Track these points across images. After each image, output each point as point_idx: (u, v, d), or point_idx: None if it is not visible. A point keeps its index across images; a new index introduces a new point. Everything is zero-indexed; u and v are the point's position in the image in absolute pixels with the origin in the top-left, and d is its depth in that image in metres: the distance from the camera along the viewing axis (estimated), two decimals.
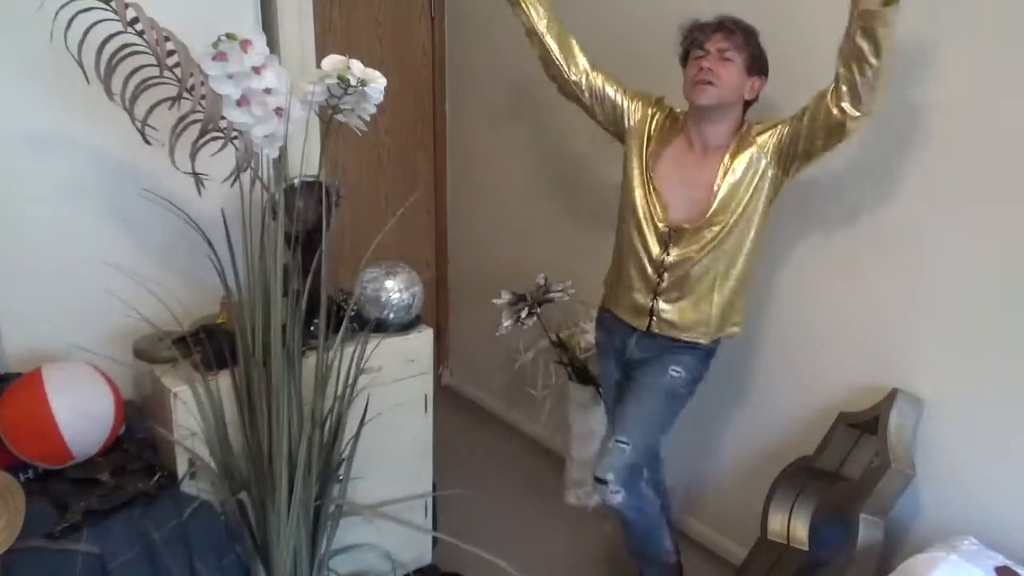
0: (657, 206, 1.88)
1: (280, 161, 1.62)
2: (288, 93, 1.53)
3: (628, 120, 1.95)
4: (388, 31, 3.02)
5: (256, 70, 1.48)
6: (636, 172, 1.92)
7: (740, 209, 1.81)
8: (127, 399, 1.85)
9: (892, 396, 1.85)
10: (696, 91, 1.78)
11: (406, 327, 2.07)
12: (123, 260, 1.92)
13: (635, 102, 1.95)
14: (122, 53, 1.50)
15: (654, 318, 1.93)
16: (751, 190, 1.81)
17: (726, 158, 1.82)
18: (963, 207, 1.73)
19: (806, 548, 2.02)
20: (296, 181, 1.81)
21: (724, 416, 2.33)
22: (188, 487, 1.76)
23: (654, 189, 1.88)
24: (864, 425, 1.92)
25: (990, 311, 1.72)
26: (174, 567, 1.63)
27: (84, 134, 1.84)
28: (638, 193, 1.91)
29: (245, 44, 1.45)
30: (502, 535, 2.07)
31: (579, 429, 2.64)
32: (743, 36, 1.77)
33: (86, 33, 1.48)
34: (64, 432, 1.64)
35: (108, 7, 1.42)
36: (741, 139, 1.82)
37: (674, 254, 1.87)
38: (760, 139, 1.81)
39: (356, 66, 1.52)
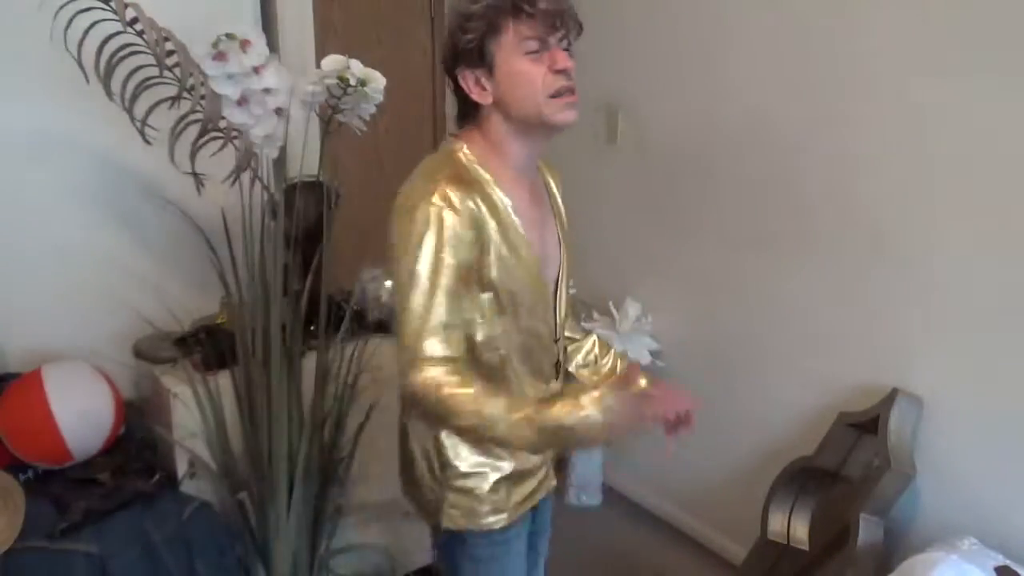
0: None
1: (280, 161, 1.62)
2: (288, 93, 1.53)
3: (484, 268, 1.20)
4: (388, 31, 3.02)
5: (256, 70, 1.48)
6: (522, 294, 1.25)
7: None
8: (127, 399, 1.85)
9: (892, 396, 1.85)
10: (565, 108, 1.20)
11: None
12: (123, 260, 1.92)
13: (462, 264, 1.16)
14: (122, 53, 1.50)
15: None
16: None
17: (546, 178, 1.40)
18: (963, 206, 1.73)
19: (806, 548, 2.02)
20: (296, 181, 1.81)
21: (724, 416, 2.33)
22: (188, 487, 1.76)
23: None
24: (864, 425, 1.92)
25: (990, 311, 1.72)
26: (174, 567, 1.63)
27: (84, 134, 1.84)
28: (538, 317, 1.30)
29: (245, 44, 1.46)
30: None
31: None
32: (571, 10, 1.22)
33: (86, 33, 1.48)
34: (64, 432, 1.64)
35: (108, 7, 1.42)
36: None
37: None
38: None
39: (356, 66, 1.52)
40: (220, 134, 1.55)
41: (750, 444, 2.29)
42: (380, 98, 1.56)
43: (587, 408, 1.08)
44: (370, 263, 1.97)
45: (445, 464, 1.29)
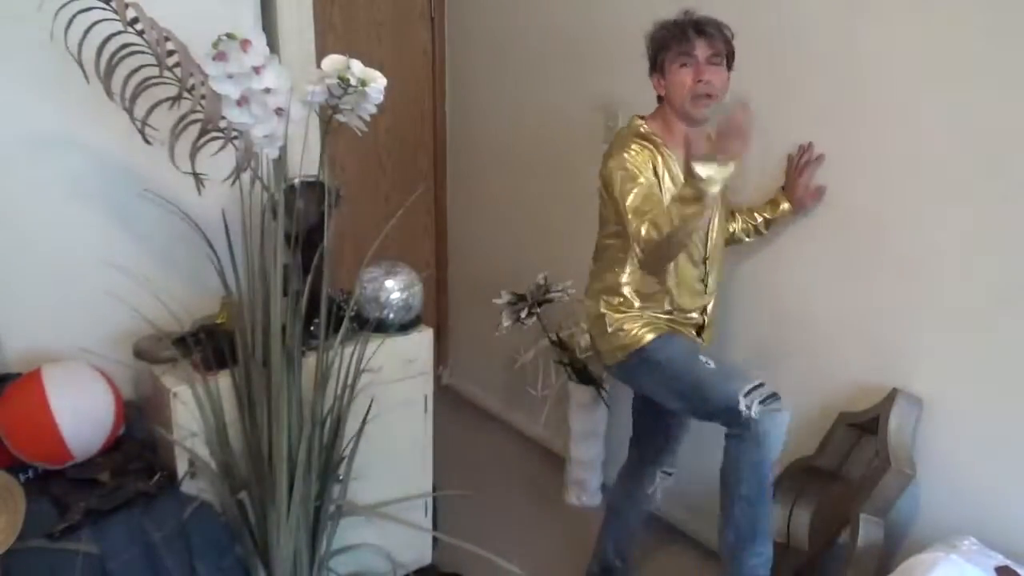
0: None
1: (280, 161, 1.62)
2: (288, 93, 1.53)
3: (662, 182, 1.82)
4: (388, 31, 3.03)
5: (256, 70, 1.47)
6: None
7: None
8: (127, 399, 1.85)
9: (892, 396, 1.85)
10: (698, 105, 1.76)
11: (406, 327, 2.07)
12: (123, 260, 1.92)
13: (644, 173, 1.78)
14: (122, 53, 1.50)
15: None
16: None
17: None
18: (963, 206, 1.73)
19: (806, 548, 2.02)
20: (296, 181, 1.81)
21: None
22: (188, 487, 1.76)
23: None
24: (864, 425, 1.92)
25: (990, 311, 1.72)
26: (174, 567, 1.63)
27: (84, 134, 1.84)
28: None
29: (245, 44, 1.45)
30: (502, 535, 2.07)
31: (579, 429, 2.64)
32: (723, 38, 1.76)
33: (86, 33, 1.48)
34: (64, 432, 1.64)
35: (108, 7, 1.42)
36: None
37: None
38: None
39: (356, 66, 1.52)
40: (220, 134, 1.55)
41: None
42: (380, 98, 1.56)
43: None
44: (370, 263, 1.97)
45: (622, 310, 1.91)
